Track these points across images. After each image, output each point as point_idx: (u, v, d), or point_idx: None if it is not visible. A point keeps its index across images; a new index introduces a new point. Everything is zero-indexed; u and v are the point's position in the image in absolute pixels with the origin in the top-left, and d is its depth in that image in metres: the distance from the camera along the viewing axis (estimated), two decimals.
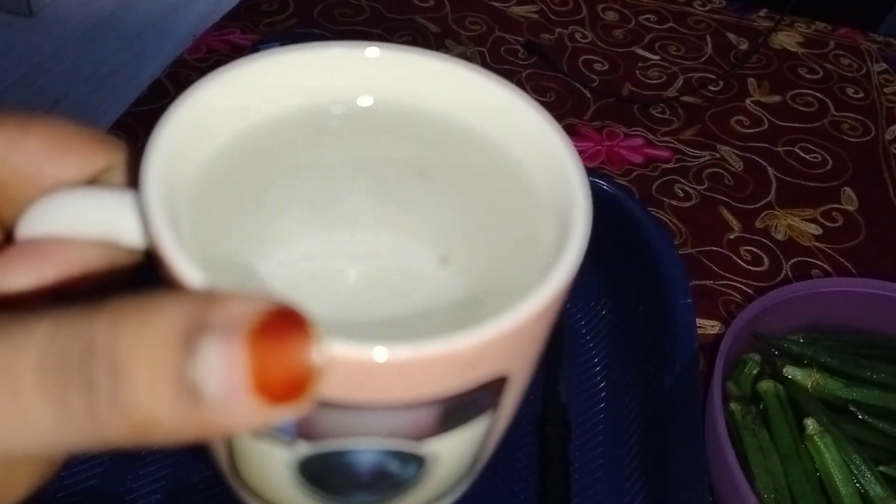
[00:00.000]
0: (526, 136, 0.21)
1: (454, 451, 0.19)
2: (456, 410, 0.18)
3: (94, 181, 0.19)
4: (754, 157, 0.61)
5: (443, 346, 0.15)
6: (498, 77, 0.21)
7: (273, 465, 0.19)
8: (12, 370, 0.13)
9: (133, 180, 0.19)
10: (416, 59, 0.22)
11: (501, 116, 0.21)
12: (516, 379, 0.19)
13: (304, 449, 0.18)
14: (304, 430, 0.17)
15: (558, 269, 0.17)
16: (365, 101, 0.22)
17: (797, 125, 0.64)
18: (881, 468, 0.38)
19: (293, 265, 0.20)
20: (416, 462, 0.19)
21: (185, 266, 0.16)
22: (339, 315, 0.21)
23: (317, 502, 0.20)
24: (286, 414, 0.13)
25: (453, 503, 0.23)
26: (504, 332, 0.16)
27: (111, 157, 0.19)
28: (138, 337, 0.13)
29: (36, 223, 0.18)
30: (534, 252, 0.20)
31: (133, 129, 0.56)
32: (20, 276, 0.17)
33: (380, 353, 0.15)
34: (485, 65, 0.65)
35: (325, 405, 0.16)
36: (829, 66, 0.71)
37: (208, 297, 0.13)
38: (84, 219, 0.18)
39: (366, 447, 0.18)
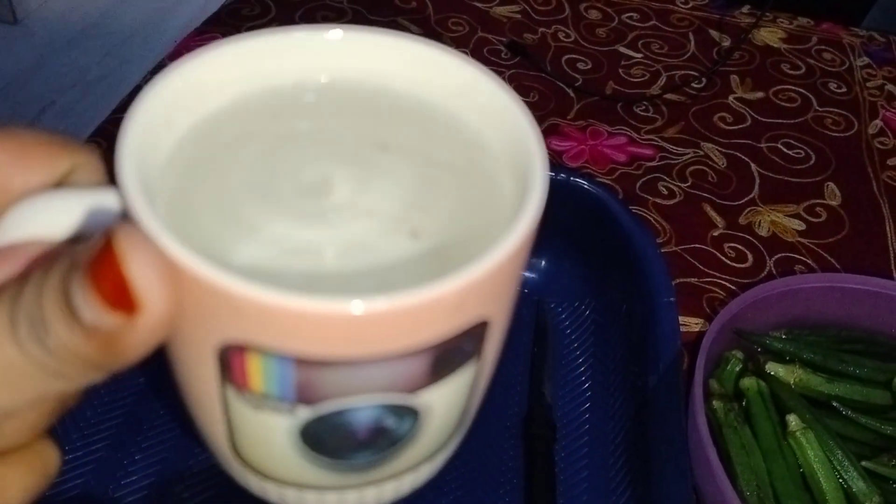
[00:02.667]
0: (482, 105, 0.22)
1: (445, 401, 0.20)
2: (444, 358, 0.19)
3: (60, 184, 0.20)
4: (738, 153, 0.61)
5: (429, 293, 0.16)
6: (454, 51, 0.22)
7: (275, 435, 0.19)
8: None
9: (101, 178, 0.20)
10: (376, 39, 0.23)
11: (457, 88, 0.22)
12: (496, 323, 0.20)
13: (304, 413, 0.19)
14: (303, 395, 0.18)
15: (525, 211, 0.19)
16: (326, 80, 0.23)
17: (780, 121, 0.64)
18: (864, 463, 0.38)
19: (270, 245, 0.20)
20: (411, 415, 0.20)
21: (170, 245, 0.16)
22: (319, 285, 0.21)
23: (319, 468, 0.21)
24: (152, 322, 0.16)
25: (440, 489, 0.23)
26: (483, 274, 0.17)
27: (73, 159, 0.20)
28: (49, 289, 0.16)
29: (12, 229, 0.18)
30: (497, 213, 0.21)
31: (115, 135, 0.56)
32: (2, 277, 0.18)
33: (371, 305, 0.16)
34: None
35: (323, 364, 0.17)
36: (811, 61, 0.71)
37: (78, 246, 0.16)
38: (59, 219, 0.18)
39: (363, 404, 0.19)
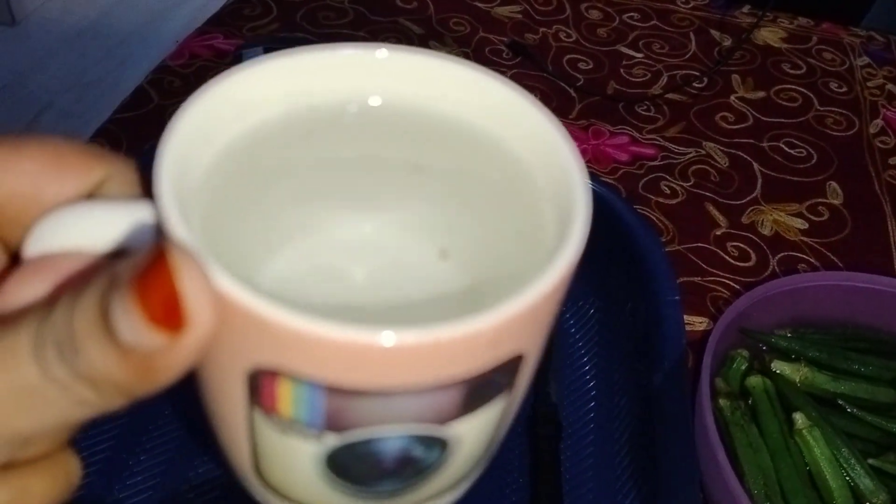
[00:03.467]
0: (525, 131, 0.22)
1: (475, 433, 0.20)
2: (477, 391, 0.18)
3: (91, 195, 0.19)
4: (739, 152, 0.61)
5: (468, 327, 0.16)
6: (497, 74, 0.22)
7: (300, 459, 0.19)
8: (14, 349, 0.16)
9: (133, 190, 0.20)
10: (421, 60, 0.22)
11: (501, 113, 0.22)
12: (530, 357, 0.20)
13: (331, 440, 0.19)
14: (332, 422, 0.18)
15: (565, 248, 0.18)
16: (370, 100, 0.23)
17: (781, 120, 0.64)
18: (870, 461, 0.38)
19: (300, 263, 0.20)
20: (440, 445, 0.20)
21: (208, 265, 0.16)
22: (349, 308, 0.21)
23: (342, 494, 0.21)
24: (195, 343, 0.15)
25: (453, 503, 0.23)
26: (523, 310, 0.17)
27: (106, 169, 0.19)
28: (83, 307, 0.15)
29: (44, 240, 0.18)
30: (534, 243, 0.20)
31: (116, 136, 0.56)
32: (32, 291, 0.17)
33: (405, 337, 0.16)
34: None
35: (354, 393, 0.17)
36: (812, 61, 0.71)
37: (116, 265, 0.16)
38: (95, 231, 0.18)
39: (391, 434, 0.19)
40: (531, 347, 0.19)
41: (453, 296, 0.20)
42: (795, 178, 0.59)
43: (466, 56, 0.67)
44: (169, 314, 0.15)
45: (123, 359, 0.15)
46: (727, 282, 0.51)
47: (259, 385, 0.18)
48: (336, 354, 0.16)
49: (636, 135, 0.61)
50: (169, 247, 0.15)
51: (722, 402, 0.40)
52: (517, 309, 0.17)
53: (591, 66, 0.67)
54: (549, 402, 0.42)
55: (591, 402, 0.44)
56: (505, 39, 0.69)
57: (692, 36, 0.72)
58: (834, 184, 0.59)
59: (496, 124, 0.22)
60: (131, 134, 0.56)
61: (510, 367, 0.19)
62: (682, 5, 0.76)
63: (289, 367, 0.17)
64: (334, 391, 0.17)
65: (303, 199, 0.21)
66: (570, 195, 0.20)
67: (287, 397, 0.18)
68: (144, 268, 0.15)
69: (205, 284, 0.16)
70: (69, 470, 0.19)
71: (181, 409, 0.40)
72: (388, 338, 0.16)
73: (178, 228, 0.17)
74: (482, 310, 0.17)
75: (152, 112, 0.58)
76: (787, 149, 0.62)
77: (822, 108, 0.66)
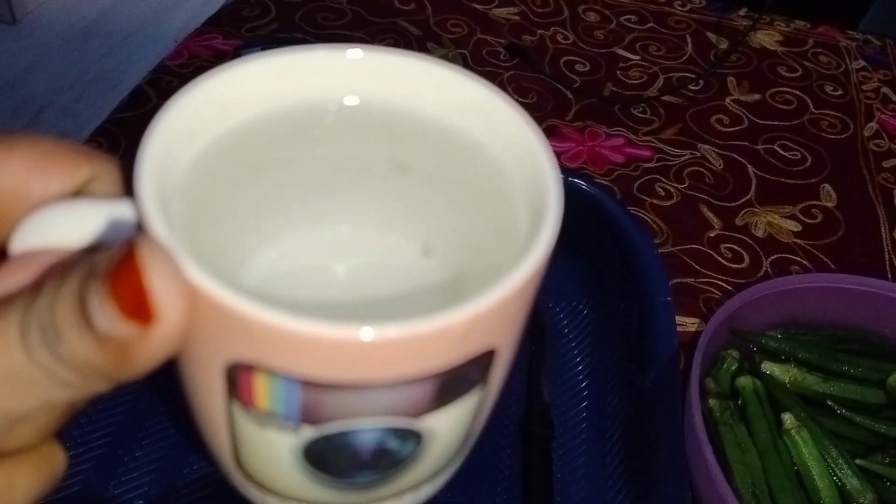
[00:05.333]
0: (500, 131, 0.22)
1: (449, 426, 0.21)
2: (450, 385, 0.19)
3: (79, 192, 0.20)
4: (734, 155, 0.61)
5: (438, 322, 0.17)
6: (473, 74, 0.22)
7: (278, 451, 0.20)
8: (2, 333, 0.16)
9: (119, 188, 0.20)
10: (396, 60, 0.22)
11: (475, 111, 0.22)
12: (503, 352, 0.20)
13: (308, 433, 0.19)
14: (308, 415, 0.18)
15: (536, 244, 0.19)
16: (348, 101, 0.23)
17: (777, 123, 0.65)
18: (858, 461, 0.38)
19: (283, 261, 0.21)
20: (415, 438, 0.20)
21: (184, 262, 0.17)
22: (331, 305, 0.22)
23: (320, 485, 0.21)
24: (166, 335, 0.16)
25: (439, 491, 0.24)
26: (492, 305, 0.17)
27: (94, 168, 0.20)
28: (64, 296, 0.16)
29: (29, 236, 0.19)
30: (510, 238, 0.21)
31: (115, 135, 0.56)
32: (16, 286, 0.18)
33: (381, 333, 0.16)
34: (467, 67, 0.65)
35: (329, 387, 0.17)
36: (808, 64, 0.71)
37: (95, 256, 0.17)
38: (77, 228, 0.18)
39: (367, 426, 0.19)
40: (504, 342, 0.20)
41: (435, 291, 0.21)
42: (790, 181, 0.60)
43: (464, 58, 0.67)
44: (138, 307, 0.16)
45: (100, 346, 0.16)
46: (720, 283, 0.51)
47: (236, 379, 0.18)
48: (310, 349, 0.17)
49: (632, 136, 0.62)
50: (139, 242, 0.16)
51: (711, 402, 0.41)
52: (487, 304, 0.17)
53: (587, 68, 0.68)
54: (541, 402, 0.43)
55: (583, 402, 0.44)
56: (502, 41, 0.70)
57: (688, 38, 0.73)
58: (828, 186, 0.60)
59: (471, 122, 0.23)
60: (130, 134, 0.56)
61: (483, 362, 0.19)
62: (679, 8, 0.77)
63: (264, 362, 0.17)
64: (309, 385, 0.17)
65: (285, 198, 0.22)
66: (542, 191, 0.20)
67: (263, 391, 0.18)
68: (117, 261, 0.16)
69: (174, 280, 0.16)
70: (54, 462, 0.20)
71: (176, 405, 0.41)
72: (360, 333, 0.16)
73: (156, 225, 0.17)
74: (457, 305, 0.17)
75: (151, 112, 0.58)
76: (781, 151, 0.62)
77: (816, 112, 0.66)
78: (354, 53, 0.22)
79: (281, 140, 0.22)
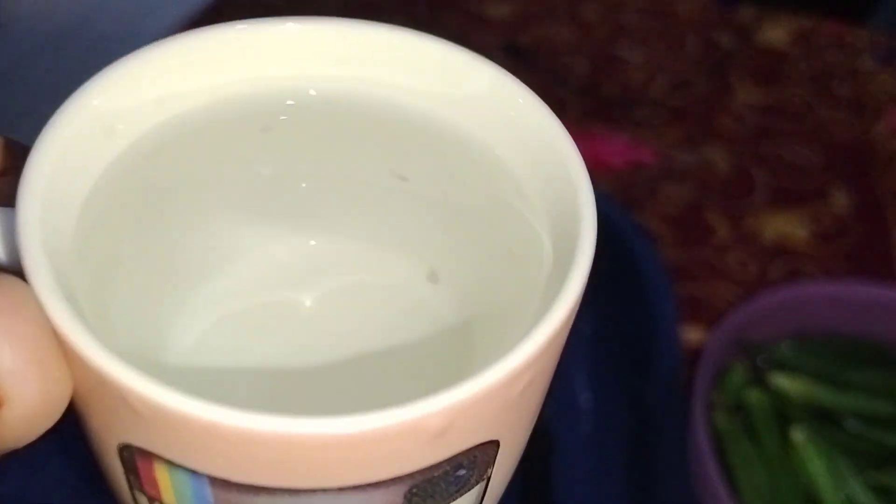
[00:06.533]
0: (515, 130, 0.18)
1: None
2: (425, 489, 0.14)
3: None
4: (740, 157, 0.61)
5: (402, 416, 0.13)
6: (480, 56, 0.18)
7: None
8: None
9: (7, 192, 0.16)
10: (379, 36, 0.19)
11: (480, 103, 0.18)
12: (510, 443, 0.16)
13: None
14: None
15: (558, 302, 0.15)
16: (314, 90, 0.19)
17: (784, 123, 0.64)
18: (869, 474, 0.38)
19: (242, 290, 0.18)
20: None
21: (57, 317, 0.13)
22: (299, 354, 0.18)
23: None
24: (21, 419, 0.14)
25: None
26: (483, 392, 0.13)
27: (3, 162, 0.17)
28: None
29: None
30: (529, 267, 0.17)
31: None
32: None
33: (318, 428, 0.12)
34: None
35: (251, 489, 0.14)
36: (816, 61, 0.71)
37: None
38: None
39: None
40: (511, 431, 0.15)
41: (443, 333, 0.17)
42: (798, 184, 0.60)
43: None
44: None
45: None
46: (726, 291, 0.51)
47: (134, 466, 0.15)
48: (217, 444, 0.13)
49: (634, 139, 0.61)
50: None
51: (718, 415, 0.40)
52: (475, 391, 0.13)
53: (587, 68, 0.68)
54: (540, 416, 0.43)
55: (583, 416, 0.44)
56: (499, 40, 0.69)
57: (692, 37, 0.73)
58: (837, 189, 0.59)
59: (477, 120, 0.18)
60: None
61: (480, 457, 0.15)
62: (682, 5, 0.77)
63: (160, 452, 0.14)
64: (222, 485, 0.14)
65: (244, 210, 0.18)
66: (570, 217, 0.16)
67: (167, 485, 0.15)
68: None
69: (25, 349, 0.13)
70: None
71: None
72: (288, 425, 0.12)
73: (28, 259, 0.14)
74: (468, 355, 0.14)
75: None
76: (789, 153, 0.62)
77: (825, 111, 0.66)
78: (326, 28, 0.18)
79: (228, 139, 0.18)
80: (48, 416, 0.14)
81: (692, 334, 0.48)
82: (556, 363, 0.16)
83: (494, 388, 0.13)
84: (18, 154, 0.17)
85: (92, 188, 0.16)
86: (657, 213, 0.56)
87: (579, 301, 0.15)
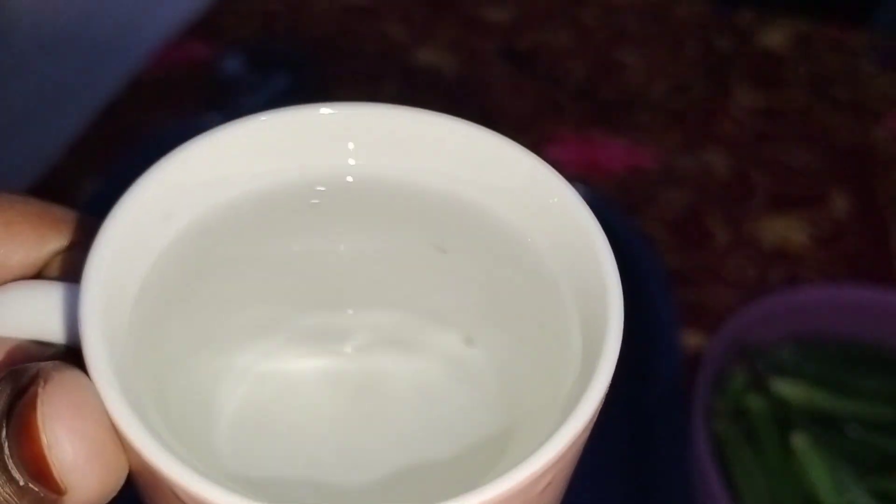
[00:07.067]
0: (549, 222, 0.18)
1: None
2: None
3: (47, 265, 0.18)
4: (740, 160, 0.61)
5: None
6: (519, 146, 0.19)
7: None
8: None
9: (74, 266, 0.18)
10: (413, 120, 0.19)
11: (518, 192, 0.19)
12: None
13: None
14: None
15: (581, 406, 0.16)
16: (352, 175, 0.20)
17: (783, 127, 0.64)
18: (871, 480, 0.38)
19: (282, 354, 0.20)
20: None
21: (119, 414, 0.15)
22: (338, 415, 0.20)
23: None
24: (86, 501, 0.14)
25: None
26: (499, 497, 0.14)
27: (62, 238, 0.18)
28: None
29: None
30: (559, 342, 0.18)
31: (91, 147, 0.56)
32: None
33: None
34: (459, 72, 0.66)
35: None
36: (815, 64, 0.71)
37: None
38: (22, 315, 0.17)
39: None
40: None
41: (484, 411, 0.19)
42: (798, 187, 0.59)
43: (456, 62, 0.67)
44: (41, 475, 0.14)
45: (21, 493, 0.14)
46: (726, 296, 0.51)
47: None
48: None
49: (632, 142, 0.61)
50: (40, 391, 0.14)
51: (719, 422, 0.40)
52: (492, 497, 0.14)
53: (585, 72, 0.68)
54: None
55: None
56: (497, 44, 0.69)
57: (691, 39, 0.73)
58: (838, 192, 0.59)
59: (514, 209, 0.19)
60: (106, 145, 0.56)
61: None
62: (681, 8, 0.77)
63: None
64: None
65: (271, 292, 0.20)
66: (598, 314, 0.17)
67: None
68: (18, 412, 0.14)
69: (84, 441, 0.14)
70: None
71: None
72: None
73: (91, 353, 0.15)
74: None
75: (127, 124, 0.59)
76: (789, 156, 0.62)
77: (825, 114, 0.66)
78: (362, 112, 0.19)
79: (271, 220, 0.20)
80: (105, 498, 0.15)
81: (692, 339, 0.48)
82: (576, 461, 0.17)
83: (514, 492, 0.14)
84: (89, 230, 0.18)
85: (152, 265, 0.18)
86: (656, 218, 0.56)
87: (600, 406, 0.16)
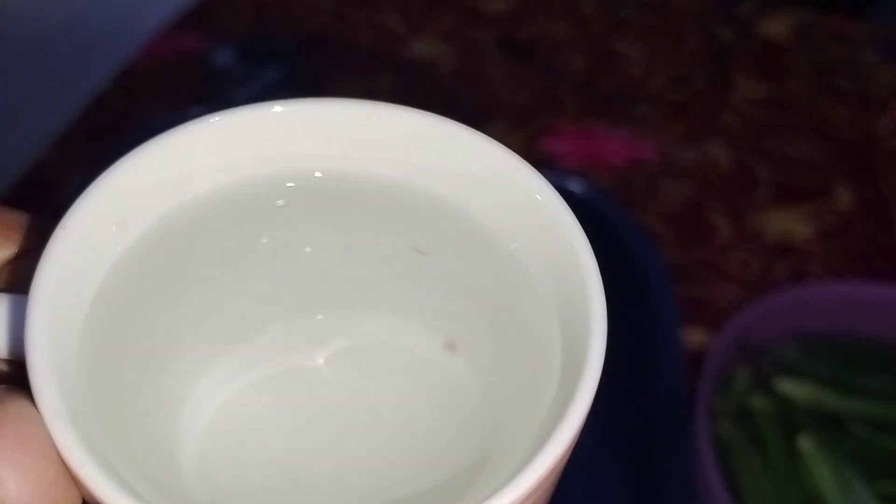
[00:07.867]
0: (527, 224, 0.18)
1: None
2: None
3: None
4: (742, 154, 0.60)
5: None
6: (499, 144, 0.18)
7: None
8: None
9: (22, 277, 0.17)
10: (387, 117, 0.18)
11: (495, 189, 0.18)
12: None
13: None
14: None
15: (564, 423, 0.15)
16: (321, 171, 0.19)
17: (786, 119, 0.64)
18: (878, 484, 0.37)
19: (256, 360, 0.19)
20: None
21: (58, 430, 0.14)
22: (314, 420, 0.20)
23: None
24: None
25: None
26: None
27: (13, 244, 0.17)
28: None
29: None
30: (542, 349, 0.18)
31: (79, 141, 0.55)
32: None
33: None
34: (457, 64, 0.65)
35: None
36: (818, 56, 0.70)
37: None
38: None
39: None
40: None
41: (465, 413, 0.18)
42: (801, 181, 0.59)
43: (453, 54, 0.66)
44: None
45: None
46: (729, 292, 0.50)
47: None
48: None
49: (633, 136, 0.61)
50: None
51: (723, 423, 0.40)
52: None
53: (585, 64, 0.67)
54: None
55: (584, 423, 0.43)
56: (495, 35, 0.69)
57: (692, 31, 0.72)
58: (841, 186, 0.59)
59: (493, 207, 0.18)
60: (95, 137, 0.55)
61: None
62: None
63: None
64: None
65: (239, 295, 0.19)
66: (580, 328, 0.16)
67: None
68: None
69: (31, 484, 0.14)
70: None
71: None
72: None
73: (38, 382, 0.14)
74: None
75: (117, 116, 0.58)
76: (792, 149, 0.61)
77: (828, 106, 0.65)
78: (333, 109, 0.18)
79: (235, 221, 0.19)
80: None
81: (694, 336, 0.48)
82: (556, 483, 0.16)
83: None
84: (41, 234, 0.17)
85: (104, 278, 0.17)
86: (657, 212, 0.55)
87: (583, 424, 0.16)
